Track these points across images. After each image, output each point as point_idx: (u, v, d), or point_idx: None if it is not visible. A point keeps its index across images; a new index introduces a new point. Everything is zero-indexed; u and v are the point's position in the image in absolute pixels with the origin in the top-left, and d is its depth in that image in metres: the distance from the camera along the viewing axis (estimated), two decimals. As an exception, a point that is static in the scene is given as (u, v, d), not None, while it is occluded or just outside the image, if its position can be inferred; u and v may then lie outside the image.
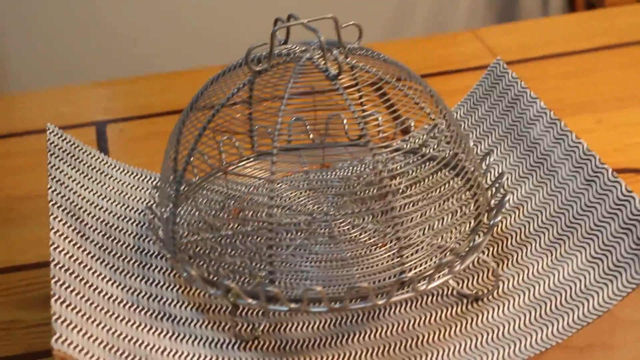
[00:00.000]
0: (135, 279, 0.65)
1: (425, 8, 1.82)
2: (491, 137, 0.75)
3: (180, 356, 0.60)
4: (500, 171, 0.71)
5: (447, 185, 0.66)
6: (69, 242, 0.62)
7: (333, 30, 0.62)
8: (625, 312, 0.58)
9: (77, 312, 0.56)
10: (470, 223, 0.65)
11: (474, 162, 0.65)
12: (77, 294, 0.58)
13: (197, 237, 0.65)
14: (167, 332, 0.61)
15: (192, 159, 0.62)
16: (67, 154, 0.72)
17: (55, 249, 0.60)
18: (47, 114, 1.01)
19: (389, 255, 0.62)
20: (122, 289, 0.63)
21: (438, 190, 0.65)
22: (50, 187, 0.66)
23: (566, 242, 0.64)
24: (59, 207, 0.65)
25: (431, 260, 0.62)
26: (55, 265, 0.59)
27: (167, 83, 1.06)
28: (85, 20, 1.80)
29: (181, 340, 0.61)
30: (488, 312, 0.63)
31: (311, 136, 0.70)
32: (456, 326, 0.63)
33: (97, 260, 0.64)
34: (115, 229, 0.68)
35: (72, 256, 0.61)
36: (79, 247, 0.63)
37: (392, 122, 0.63)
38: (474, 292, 0.65)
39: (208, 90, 0.63)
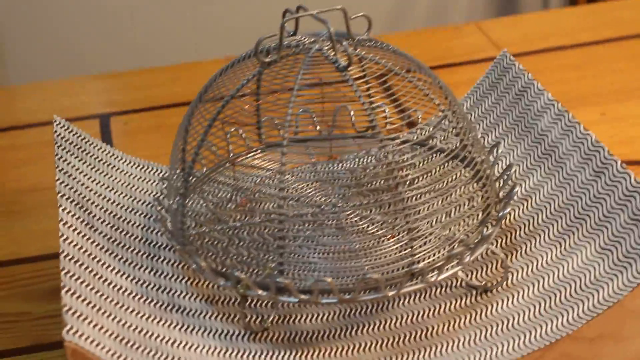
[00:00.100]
0: (144, 270, 0.65)
1: (425, 1, 1.81)
2: (499, 129, 0.75)
3: (190, 348, 0.60)
4: (508, 162, 0.71)
5: (456, 177, 0.66)
6: (78, 233, 0.62)
7: (339, 21, 0.62)
8: (635, 303, 0.58)
9: (87, 304, 0.56)
10: (479, 214, 0.65)
11: (483, 154, 0.65)
12: (86, 286, 0.58)
13: (205, 229, 0.65)
14: (177, 324, 0.61)
15: (200, 150, 0.62)
16: (74, 146, 0.72)
17: (64, 240, 0.60)
18: (50, 106, 1.01)
19: (398, 247, 0.62)
20: (131, 280, 0.63)
21: (447, 182, 0.65)
22: (58, 179, 0.66)
23: (575, 234, 0.64)
24: (67, 199, 0.65)
25: (441, 251, 0.62)
26: (65, 256, 0.58)
27: (171, 75, 1.06)
28: (89, 12, 1.80)
29: (191, 331, 0.61)
30: (497, 304, 0.63)
31: (318, 128, 0.70)
32: (466, 317, 0.63)
33: (105, 251, 0.64)
34: (123, 220, 0.68)
35: (81, 248, 0.61)
36: (87, 239, 0.63)
37: (402, 114, 0.63)
38: (483, 283, 0.65)
39: (217, 81, 0.63)
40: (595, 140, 0.67)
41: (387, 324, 0.63)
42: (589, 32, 1.06)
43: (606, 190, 0.64)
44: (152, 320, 0.60)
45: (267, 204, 0.67)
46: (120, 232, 0.67)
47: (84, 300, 0.56)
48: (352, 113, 0.69)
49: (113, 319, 0.57)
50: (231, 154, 0.67)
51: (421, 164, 0.66)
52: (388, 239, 0.63)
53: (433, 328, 0.63)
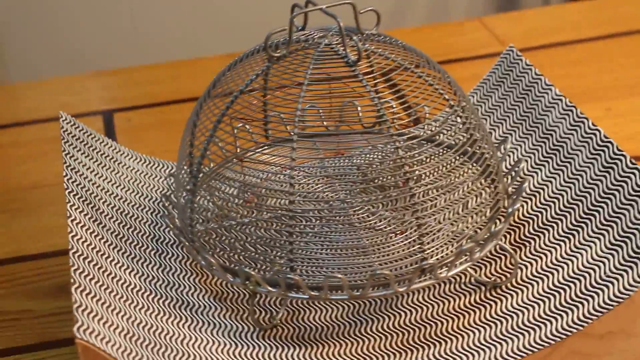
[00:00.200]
0: (152, 267, 0.64)
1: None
2: (506, 124, 0.74)
3: (200, 345, 0.59)
4: (516, 158, 0.71)
5: (465, 172, 0.65)
6: (86, 230, 0.62)
7: (345, 16, 0.62)
8: (646, 299, 0.58)
9: (97, 301, 0.56)
10: (488, 210, 0.64)
11: (492, 149, 0.64)
12: (96, 282, 0.58)
13: (214, 225, 0.64)
14: (186, 321, 0.61)
15: (209, 145, 0.62)
16: (80, 142, 0.71)
17: (73, 237, 0.59)
18: (52, 103, 1.01)
19: (408, 243, 0.61)
20: (140, 277, 0.62)
21: (456, 177, 0.65)
22: (66, 175, 0.66)
23: (585, 229, 0.64)
24: (75, 195, 0.64)
25: (450, 247, 0.62)
26: (74, 253, 0.58)
27: (174, 71, 1.06)
28: (91, 8, 1.79)
29: (200, 328, 0.61)
30: (506, 300, 0.63)
31: (325, 123, 0.70)
32: (474, 314, 0.62)
33: (114, 248, 0.63)
34: (131, 217, 0.68)
35: (89, 244, 0.61)
36: (96, 235, 0.62)
37: (411, 109, 0.63)
38: (492, 279, 0.64)
39: (225, 76, 0.63)
40: (604, 135, 0.66)
41: (396, 320, 0.63)
42: (592, 28, 1.06)
43: (615, 186, 0.63)
44: (162, 317, 0.60)
45: (275, 200, 0.66)
46: (128, 229, 0.67)
47: (93, 297, 0.56)
48: (359, 109, 0.69)
49: (123, 316, 0.57)
50: (239, 150, 0.67)
51: (430, 160, 0.65)
52: (397, 235, 0.63)
53: (442, 324, 0.62)
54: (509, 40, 1.04)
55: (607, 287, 0.59)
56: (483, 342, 0.60)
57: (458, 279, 0.65)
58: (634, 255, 0.60)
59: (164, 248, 0.67)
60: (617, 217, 0.62)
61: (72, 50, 1.80)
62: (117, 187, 0.70)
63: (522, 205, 0.68)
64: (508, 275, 0.64)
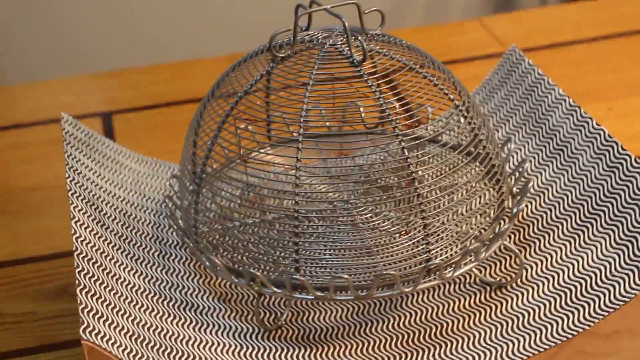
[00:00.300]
0: (156, 268, 0.64)
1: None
2: (509, 124, 0.74)
3: (205, 346, 0.59)
4: (520, 158, 0.71)
5: (470, 172, 0.65)
6: (90, 231, 0.61)
7: (348, 17, 0.61)
8: (653, 298, 0.58)
9: (102, 302, 0.56)
10: (493, 210, 0.64)
11: (496, 149, 0.64)
12: (100, 284, 0.57)
13: (218, 226, 0.64)
14: (191, 322, 0.61)
15: (213, 146, 0.62)
16: (82, 143, 0.71)
17: (77, 238, 0.59)
18: (51, 104, 1.00)
19: (413, 243, 0.61)
20: (144, 278, 0.62)
21: (461, 177, 0.64)
22: (69, 177, 0.65)
23: (590, 229, 0.63)
24: (78, 197, 0.64)
25: (455, 247, 0.62)
26: (79, 255, 0.58)
27: (173, 73, 1.05)
28: (89, 9, 1.78)
29: (205, 330, 0.61)
30: (512, 300, 0.63)
31: (328, 124, 0.70)
32: (480, 314, 0.62)
33: (117, 249, 0.63)
34: (134, 218, 0.68)
35: (94, 246, 0.60)
36: (99, 237, 0.62)
37: (416, 109, 0.63)
38: (497, 279, 0.64)
39: (230, 77, 0.63)
40: (608, 135, 0.66)
41: (401, 321, 0.63)
42: (592, 28, 1.06)
43: (620, 186, 0.63)
44: (166, 318, 0.60)
45: (279, 201, 0.66)
46: (131, 230, 0.66)
47: (98, 298, 0.56)
48: (361, 109, 0.69)
49: (128, 317, 0.57)
50: (243, 151, 0.67)
51: (435, 160, 0.65)
52: (402, 236, 0.63)
53: (447, 325, 0.62)
54: (509, 41, 1.04)
55: (613, 286, 0.59)
56: (489, 342, 0.60)
57: (463, 279, 0.65)
58: (639, 255, 0.60)
59: (166, 249, 0.67)
60: (623, 217, 0.62)
61: (71, 51, 1.79)
62: (118, 188, 0.70)
63: (527, 205, 0.68)
64: (513, 275, 0.64)
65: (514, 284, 0.63)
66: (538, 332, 0.59)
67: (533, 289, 0.63)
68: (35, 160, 0.92)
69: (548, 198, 0.67)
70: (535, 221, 0.67)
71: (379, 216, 0.64)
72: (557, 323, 0.59)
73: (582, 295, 0.60)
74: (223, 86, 0.63)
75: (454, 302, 0.64)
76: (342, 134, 0.70)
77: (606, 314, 0.58)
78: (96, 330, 0.53)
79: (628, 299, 0.58)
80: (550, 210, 0.66)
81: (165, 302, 0.61)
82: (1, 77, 1.78)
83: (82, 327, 0.52)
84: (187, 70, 1.06)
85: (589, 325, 0.58)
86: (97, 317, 0.54)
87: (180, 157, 0.67)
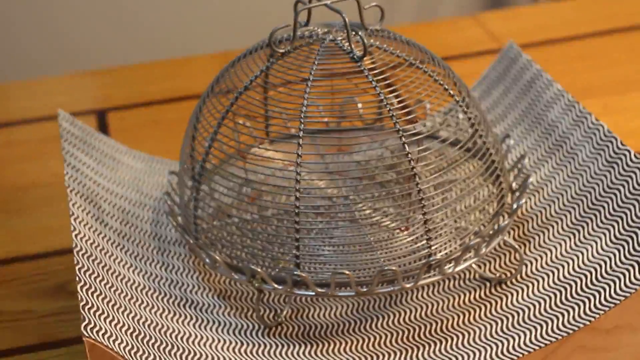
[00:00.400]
0: (156, 265, 0.64)
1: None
2: (507, 120, 0.74)
3: (205, 343, 0.59)
4: (520, 153, 0.71)
5: (470, 168, 0.65)
6: (90, 228, 0.61)
7: (347, 13, 0.61)
8: (653, 293, 0.58)
9: (103, 299, 0.56)
10: (493, 205, 0.64)
11: (496, 145, 0.64)
12: (101, 281, 0.57)
13: (217, 223, 0.64)
14: (191, 319, 0.60)
15: (213, 142, 0.62)
16: (80, 140, 0.71)
17: (77, 235, 0.59)
18: (45, 102, 1.00)
19: (413, 239, 0.61)
20: (143, 275, 0.62)
21: (461, 173, 0.64)
22: (67, 174, 0.65)
23: (590, 224, 0.63)
24: (77, 194, 0.64)
25: (455, 243, 0.62)
26: (79, 252, 0.58)
27: (169, 70, 1.05)
28: (82, 6, 1.78)
29: (205, 327, 0.60)
30: (512, 295, 0.63)
31: (326, 119, 0.69)
32: (480, 310, 0.62)
33: (117, 246, 0.63)
34: (132, 215, 0.68)
35: (93, 243, 0.60)
36: (99, 234, 0.62)
37: (416, 105, 0.63)
38: (497, 275, 0.64)
39: (229, 72, 0.62)
40: (607, 130, 0.66)
41: (402, 317, 0.63)
42: (587, 25, 1.06)
43: (620, 181, 0.63)
44: (167, 315, 0.59)
45: (278, 197, 0.66)
46: (130, 227, 0.66)
47: (99, 295, 0.56)
48: (359, 105, 0.69)
49: (128, 314, 0.56)
50: (243, 146, 0.67)
51: (435, 156, 0.65)
52: (402, 231, 0.62)
53: (448, 321, 0.62)
54: (504, 38, 1.04)
55: (614, 281, 0.59)
56: (490, 337, 0.60)
57: (463, 275, 0.65)
58: (639, 250, 0.60)
59: (166, 246, 0.67)
60: (622, 212, 0.62)
61: (65, 49, 1.78)
62: (116, 185, 0.70)
63: (526, 201, 0.68)
64: (513, 270, 0.64)
65: (514, 280, 0.63)
66: (539, 327, 0.59)
67: (533, 284, 0.63)
68: (31, 158, 0.91)
69: (547, 193, 0.67)
70: (534, 216, 0.67)
71: (379, 212, 0.64)
72: (558, 318, 0.59)
73: (582, 290, 0.60)
74: (222, 82, 0.63)
75: (454, 298, 0.64)
76: (343, 129, 0.70)
77: (607, 309, 0.58)
78: (97, 327, 0.53)
79: (628, 294, 0.58)
80: (550, 206, 0.67)
81: (164, 299, 0.61)
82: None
83: (84, 324, 0.52)
84: (182, 67, 1.06)
85: (589, 321, 0.58)
86: (98, 314, 0.54)
87: (179, 154, 0.66)
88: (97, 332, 0.52)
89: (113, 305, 0.56)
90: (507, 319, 0.61)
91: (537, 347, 0.58)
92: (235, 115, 0.62)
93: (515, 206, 0.64)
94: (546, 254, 0.64)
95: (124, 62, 1.17)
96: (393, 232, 0.63)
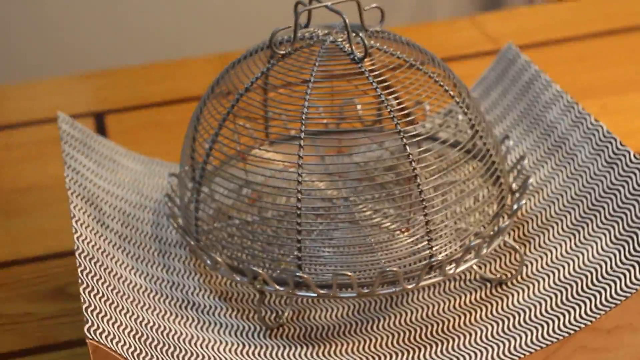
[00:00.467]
0: (157, 267, 0.64)
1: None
2: (506, 121, 0.74)
3: (207, 345, 0.59)
4: (519, 154, 0.71)
5: (469, 169, 0.65)
6: (91, 230, 0.61)
7: (347, 14, 0.61)
8: (654, 293, 0.58)
9: (106, 302, 0.56)
10: (493, 206, 0.64)
11: (495, 146, 0.64)
12: (103, 283, 0.57)
13: (218, 225, 0.64)
14: (192, 321, 0.60)
15: (214, 143, 0.62)
16: (80, 142, 0.71)
17: (78, 237, 0.59)
18: (43, 105, 1.00)
19: (414, 240, 0.61)
20: (145, 277, 0.62)
21: (461, 174, 0.65)
22: (67, 176, 0.65)
23: (589, 225, 0.64)
24: (77, 196, 0.64)
25: (455, 245, 0.62)
26: (80, 254, 0.58)
27: (166, 72, 1.05)
28: (80, 8, 1.78)
29: (207, 328, 0.60)
30: (513, 296, 0.63)
31: (325, 121, 0.70)
32: (481, 310, 0.62)
33: (118, 249, 0.63)
34: (133, 217, 0.68)
35: (94, 245, 0.60)
36: (100, 236, 0.62)
37: (416, 106, 0.63)
38: (497, 276, 0.64)
39: (229, 74, 0.62)
40: (607, 131, 0.66)
41: (402, 318, 0.63)
42: (583, 26, 1.06)
43: (620, 181, 0.63)
44: (168, 317, 0.59)
45: (279, 198, 0.66)
46: (131, 229, 0.66)
47: (101, 297, 0.55)
48: (358, 107, 0.69)
49: (131, 316, 0.56)
50: (243, 148, 0.67)
51: (435, 157, 0.65)
52: (402, 232, 0.63)
53: (449, 322, 0.62)
54: (500, 39, 1.04)
55: (614, 281, 0.59)
56: (491, 338, 0.60)
57: (463, 276, 0.65)
58: (640, 250, 0.60)
59: (166, 248, 0.67)
60: (623, 212, 0.62)
61: (63, 51, 1.78)
62: (117, 187, 0.70)
63: (526, 202, 0.68)
64: (514, 271, 0.64)
65: (514, 281, 0.64)
66: (540, 328, 0.59)
67: (534, 285, 0.63)
68: (29, 160, 0.91)
69: (547, 194, 0.68)
70: (534, 217, 0.67)
71: (380, 213, 0.64)
72: (559, 319, 0.59)
73: (583, 290, 0.60)
74: (223, 83, 0.63)
75: (455, 299, 0.64)
76: (344, 131, 0.70)
77: (607, 309, 0.58)
78: (100, 329, 0.53)
79: (629, 294, 0.58)
80: (550, 206, 0.67)
81: (166, 301, 0.61)
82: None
83: (87, 326, 0.52)
84: (180, 69, 1.06)
85: (590, 321, 0.58)
86: (100, 316, 0.54)
87: (180, 155, 0.66)
88: (100, 334, 0.52)
89: (115, 308, 0.56)
90: (509, 319, 0.61)
91: (538, 348, 0.58)
92: (236, 116, 0.62)
93: (515, 207, 0.64)
94: (547, 255, 0.64)
95: (122, 64, 1.17)
96: (394, 234, 0.63)
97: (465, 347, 0.60)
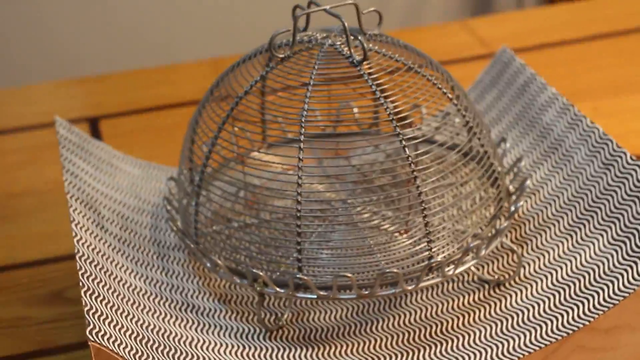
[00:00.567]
0: (156, 270, 0.64)
1: (399, 1, 1.82)
2: (502, 124, 0.75)
3: (207, 347, 0.59)
4: (515, 157, 0.71)
5: (468, 172, 0.66)
6: (91, 234, 0.61)
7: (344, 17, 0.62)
8: (652, 293, 0.59)
9: (107, 304, 0.56)
10: (491, 208, 0.65)
11: (493, 148, 0.65)
12: (103, 286, 0.57)
13: (218, 227, 0.64)
14: (193, 323, 0.61)
15: (214, 147, 0.62)
16: (77, 147, 0.71)
17: (79, 241, 0.59)
18: (37, 110, 1.00)
19: (413, 242, 0.61)
20: (144, 280, 0.62)
21: (459, 176, 0.65)
22: (66, 180, 0.65)
23: (587, 226, 0.64)
24: (76, 200, 0.64)
25: (453, 246, 0.62)
26: (81, 257, 0.58)
27: (160, 77, 1.05)
28: (75, 12, 1.77)
29: (207, 331, 0.61)
30: (511, 297, 0.63)
31: (326, 124, 0.70)
32: (480, 311, 0.63)
33: (118, 252, 0.63)
34: (132, 221, 0.68)
35: (94, 248, 0.60)
36: (100, 239, 0.62)
37: (415, 109, 0.63)
38: (495, 277, 0.65)
39: (229, 77, 0.63)
40: (603, 133, 0.67)
41: (401, 319, 0.63)
42: (575, 30, 1.07)
43: (617, 182, 0.64)
44: (168, 319, 0.60)
45: (278, 201, 0.66)
46: (129, 233, 0.66)
47: (102, 300, 0.56)
48: (355, 110, 0.69)
49: (132, 319, 0.57)
50: (242, 151, 0.67)
51: (434, 159, 0.65)
52: (401, 234, 0.63)
53: (447, 323, 0.62)
54: (493, 43, 1.04)
55: (612, 282, 0.60)
56: (489, 339, 0.60)
57: (462, 277, 0.65)
58: (637, 249, 0.60)
59: (165, 251, 0.67)
60: (620, 213, 0.63)
61: (56, 57, 1.78)
62: (115, 191, 0.70)
63: (524, 203, 0.68)
64: (512, 272, 0.65)
65: (513, 281, 0.64)
66: (538, 328, 0.60)
67: (532, 285, 0.63)
68: (23, 165, 0.91)
69: (544, 195, 0.68)
70: (531, 219, 0.67)
71: (379, 215, 0.64)
72: (557, 319, 0.60)
73: (581, 291, 0.61)
74: (222, 87, 0.63)
75: (454, 300, 0.64)
76: (343, 134, 0.70)
77: (605, 309, 0.58)
78: (102, 332, 0.53)
79: (627, 294, 0.58)
80: (547, 208, 0.67)
81: (166, 304, 0.61)
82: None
83: (89, 328, 0.52)
84: (173, 74, 1.06)
85: (588, 321, 0.58)
86: (102, 318, 0.54)
87: (179, 158, 0.67)
88: (102, 336, 0.53)
89: (116, 310, 0.56)
90: (507, 320, 0.61)
91: (537, 348, 0.58)
92: (236, 120, 0.62)
93: (513, 209, 0.64)
94: (544, 256, 0.64)
95: (116, 69, 1.17)
96: (393, 236, 0.63)
97: (464, 347, 0.60)
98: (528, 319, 0.61)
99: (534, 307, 0.61)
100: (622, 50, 1.03)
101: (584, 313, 0.59)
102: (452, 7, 1.83)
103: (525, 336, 0.59)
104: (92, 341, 0.52)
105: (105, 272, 0.59)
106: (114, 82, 1.05)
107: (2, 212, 0.84)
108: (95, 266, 0.58)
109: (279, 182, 0.60)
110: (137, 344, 0.55)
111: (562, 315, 0.60)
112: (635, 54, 1.02)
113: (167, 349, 0.57)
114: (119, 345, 0.53)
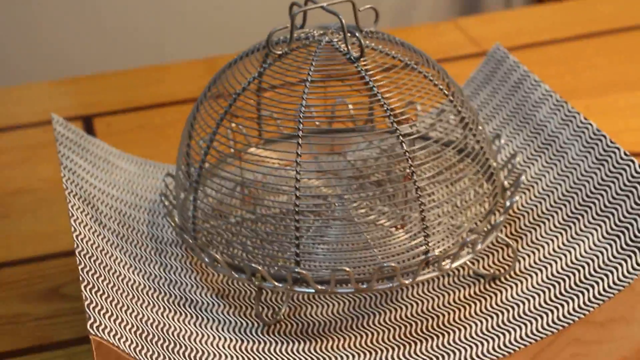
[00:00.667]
0: (154, 265, 0.64)
1: (388, 1, 1.82)
2: (496, 121, 0.75)
3: (206, 340, 0.59)
4: (510, 153, 0.72)
5: (463, 167, 0.66)
6: (89, 230, 0.62)
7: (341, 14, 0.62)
8: (646, 286, 0.59)
9: (106, 299, 0.56)
10: (486, 203, 0.65)
11: (488, 144, 0.65)
12: (103, 281, 0.58)
13: (215, 223, 0.64)
14: (191, 317, 0.61)
15: (212, 143, 0.62)
16: (74, 144, 0.71)
17: (78, 236, 0.59)
18: (31, 109, 1.00)
19: (410, 236, 0.62)
20: (143, 275, 0.63)
21: (454, 172, 0.65)
22: (64, 176, 0.65)
23: (581, 220, 0.65)
24: (74, 196, 0.64)
25: (448, 241, 0.63)
26: (81, 252, 0.58)
27: (154, 75, 1.06)
28: (69, 12, 1.77)
29: (205, 325, 0.61)
30: (507, 291, 0.64)
31: (323, 120, 0.70)
32: (475, 305, 0.63)
33: (116, 247, 0.63)
34: (129, 217, 0.68)
35: (94, 243, 0.61)
36: (98, 235, 0.62)
37: (410, 105, 0.64)
38: (491, 271, 0.65)
39: (226, 74, 0.63)
40: (596, 129, 0.68)
41: (398, 313, 0.64)
42: (565, 29, 1.08)
43: (610, 178, 0.65)
44: (167, 314, 0.60)
45: (276, 196, 0.67)
46: (127, 228, 0.67)
47: (102, 294, 0.56)
48: (350, 106, 0.70)
49: (131, 313, 0.57)
50: (240, 147, 0.67)
51: (430, 155, 0.66)
52: (397, 229, 0.63)
53: (443, 316, 0.63)
54: (484, 42, 1.05)
55: (607, 275, 0.60)
56: (485, 332, 0.61)
57: (458, 272, 0.66)
58: (631, 243, 0.61)
59: (163, 247, 0.67)
60: (614, 207, 0.63)
61: (49, 56, 1.78)
62: (112, 187, 0.70)
63: (519, 198, 0.69)
64: (507, 266, 0.65)
65: (508, 275, 0.65)
66: (534, 321, 0.60)
67: (527, 279, 0.64)
68: (18, 164, 0.91)
69: (539, 190, 0.69)
70: (526, 213, 0.68)
71: (376, 210, 0.65)
72: (552, 312, 0.60)
73: (576, 284, 0.61)
74: (220, 84, 0.63)
75: (450, 294, 0.65)
76: (341, 130, 0.70)
77: (600, 302, 0.59)
78: (102, 326, 0.53)
79: (621, 287, 0.59)
80: (542, 203, 0.68)
81: (164, 298, 0.62)
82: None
83: (89, 322, 0.53)
84: (167, 73, 1.06)
85: (583, 314, 0.59)
86: (102, 312, 0.54)
87: (177, 154, 0.67)
88: (102, 330, 0.53)
89: (116, 305, 0.56)
90: (503, 313, 0.62)
91: (532, 341, 0.59)
92: (234, 116, 0.62)
93: (508, 204, 0.65)
94: (539, 250, 0.65)
95: (109, 68, 1.17)
96: (389, 231, 0.63)
97: (460, 341, 0.61)
98: (523, 312, 0.61)
99: (529, 301, 0.62)
100: (612, 48, 1.03)
101: (579, 306, 0.60)
102: (441, 7, 1.84)
103: (520, 329, 0.60)
104: (93, 335, 0.52)
105: (104, 267, 0.59)
106: (108, 81, 1.05)
107: (-1, 211, 0.85)
108: (95, 261, 0.59)
109: (277, 178, 0.61)
110: (137, 337, 0.55)
111: (557, 309, 0.60)
112: (625, 53, 1.03)
113: (167, 342, 0.57)
114: (119, 339, 0.53)
